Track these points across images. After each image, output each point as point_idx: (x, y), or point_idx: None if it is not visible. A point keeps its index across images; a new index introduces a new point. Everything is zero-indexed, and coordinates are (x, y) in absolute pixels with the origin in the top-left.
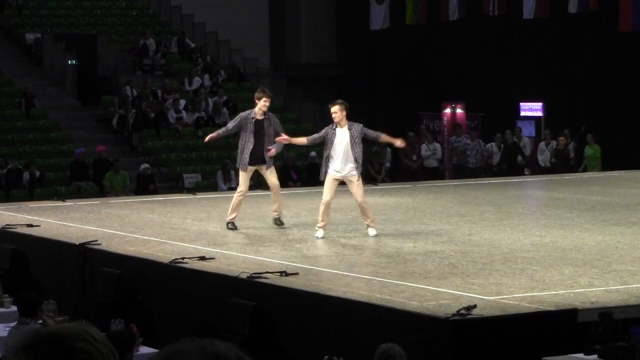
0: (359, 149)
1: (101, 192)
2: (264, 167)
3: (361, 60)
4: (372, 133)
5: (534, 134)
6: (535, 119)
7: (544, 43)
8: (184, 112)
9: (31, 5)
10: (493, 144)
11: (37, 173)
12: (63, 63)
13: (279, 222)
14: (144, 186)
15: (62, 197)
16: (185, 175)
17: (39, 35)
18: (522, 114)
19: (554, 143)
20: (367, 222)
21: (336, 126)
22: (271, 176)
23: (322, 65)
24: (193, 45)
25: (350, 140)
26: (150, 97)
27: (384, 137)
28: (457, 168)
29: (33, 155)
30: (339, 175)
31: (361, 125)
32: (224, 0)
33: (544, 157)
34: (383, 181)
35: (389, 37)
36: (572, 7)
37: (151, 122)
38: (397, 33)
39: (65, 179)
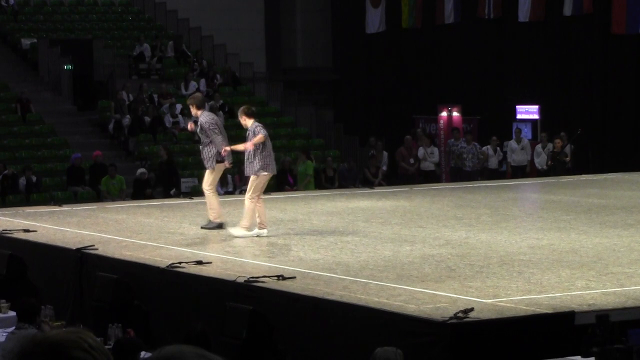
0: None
1: (98, 197)
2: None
3: (357, 64)
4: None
5: (530, 137)
6: (532, 121)
7: (539, 46)
8: (180, 117)
9: (27, 11)
10: (489, 146)
11: (34, 178)
12: (59, 68)
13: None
14: (140, 191)
15: (59, 202)
16: (182, 180)
17: (35, 40)
18: (519, 116)
19: (550, 146)
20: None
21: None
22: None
23: (318, 69)
24: (189, 55)
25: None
26: (146, 101)
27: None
28: (454, 171)
29: (29, 160)
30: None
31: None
32: (220, 4)
33: (540, 160)
34: (380, 184)
35: (385, 41)
36: (567, 10)
37: (147, 127)
38: (393, 36)
39: (61, 184)
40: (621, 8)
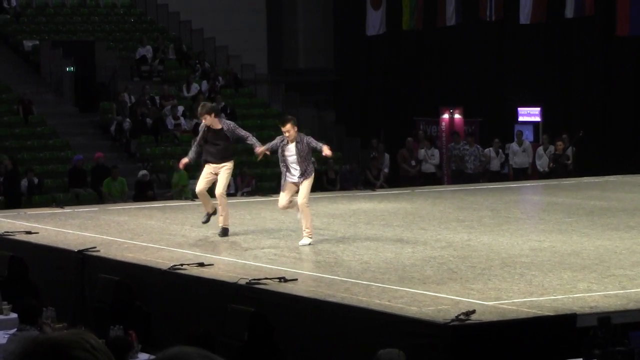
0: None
1: (99, 198)
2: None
3: (358, 66)
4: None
5: (532, 139)
6: (534, 123)
7: (540, 48)
8: (182, 119)
9: (29, 12)
10: (491, 148)
11: (35, 180)
12: (61, 70)
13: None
14: (142, 192)
15: (61, 203)
16: None
17: (37, 42)
18: (520, 119)
19: (552, 148)
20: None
21: (287, 141)
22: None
23: (320, 71)
24: (191, 60)
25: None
26: (148, 103)
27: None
28: (455, 173)
29: (31, 162)
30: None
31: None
32: (222, 6)
33: (542, 162)
34: (381, 187)
35: (386, 43)
36: (569, 12)
37: (149, 129)
38: (394, 38)
39: (63, 186)
40: (624, 10)
